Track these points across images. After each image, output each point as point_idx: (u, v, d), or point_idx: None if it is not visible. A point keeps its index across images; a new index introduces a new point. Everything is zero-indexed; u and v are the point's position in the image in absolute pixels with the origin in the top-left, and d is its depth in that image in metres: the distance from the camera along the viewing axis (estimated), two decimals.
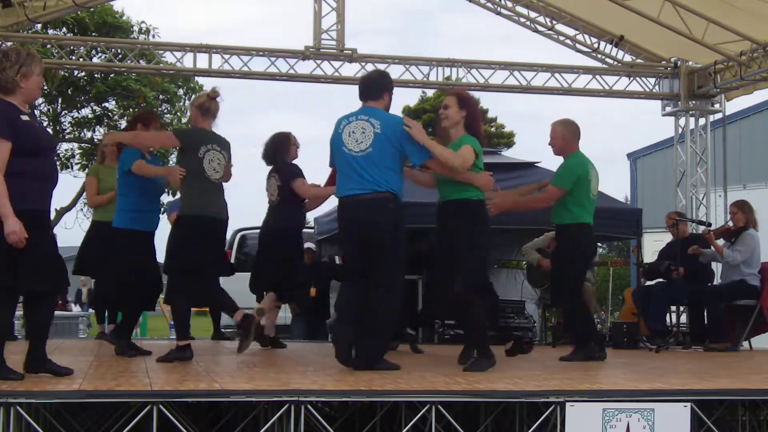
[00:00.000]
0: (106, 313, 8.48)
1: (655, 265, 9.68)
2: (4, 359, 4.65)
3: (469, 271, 5.87)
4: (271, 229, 7.72)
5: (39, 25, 13.95)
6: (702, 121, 12.65)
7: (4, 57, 4.72)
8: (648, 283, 9.86)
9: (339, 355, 5.71)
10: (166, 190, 8.37)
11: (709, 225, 10.01)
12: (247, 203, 11.07)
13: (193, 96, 7.34)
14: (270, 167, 7.76)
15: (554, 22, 11.99)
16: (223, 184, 6.39)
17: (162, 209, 8.20)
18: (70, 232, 42.63)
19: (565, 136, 7.05)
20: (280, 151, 7.71)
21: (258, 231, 8.21)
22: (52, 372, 4.77)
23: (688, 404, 4.52)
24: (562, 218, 7.02)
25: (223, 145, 6.40)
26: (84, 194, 14.80)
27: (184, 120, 19.88)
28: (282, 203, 7.62)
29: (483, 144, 6.08)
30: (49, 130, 18.73)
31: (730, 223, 9.35)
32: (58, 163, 13.36)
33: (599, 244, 17.10)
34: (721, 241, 9.31)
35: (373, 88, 5.95)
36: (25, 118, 4.71)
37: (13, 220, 4.48)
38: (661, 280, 9.56)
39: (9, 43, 11.49)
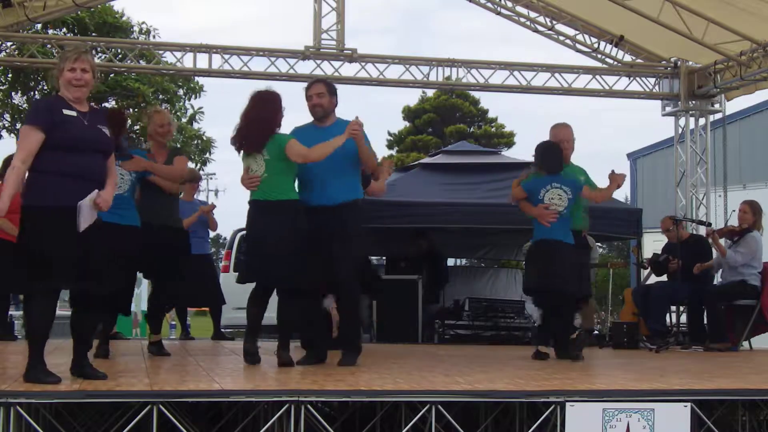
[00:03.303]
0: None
1: (655, 257, 9.72)
2: (44, 361, 4.58)
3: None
4: None
5: (39, 25, 13.95)
6: (702, 121, 12.63)
7: None
8: (648, 282, 9.86)
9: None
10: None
11: (709, 225, 10.00)
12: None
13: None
14: None
15: (554, 22, 11.98)
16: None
17: None
18: None
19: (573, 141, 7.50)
20: None
21: None
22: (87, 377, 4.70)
23: (688, 404, 4.52)
24: (585, 224, 7.48)
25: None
26: None
27: (184, 120, 19.87)
28: None
29: None
30: None
31: (736, 222, 9.34)
32: None
33: (599, 244, 17.09)
34: (723, 241, 9.32)
35: None
36: (68, 112, 4.69)
37: (5, 201, 4.46)
38: (660, 279, 9.56)
39: (9, 43, 11.51)
